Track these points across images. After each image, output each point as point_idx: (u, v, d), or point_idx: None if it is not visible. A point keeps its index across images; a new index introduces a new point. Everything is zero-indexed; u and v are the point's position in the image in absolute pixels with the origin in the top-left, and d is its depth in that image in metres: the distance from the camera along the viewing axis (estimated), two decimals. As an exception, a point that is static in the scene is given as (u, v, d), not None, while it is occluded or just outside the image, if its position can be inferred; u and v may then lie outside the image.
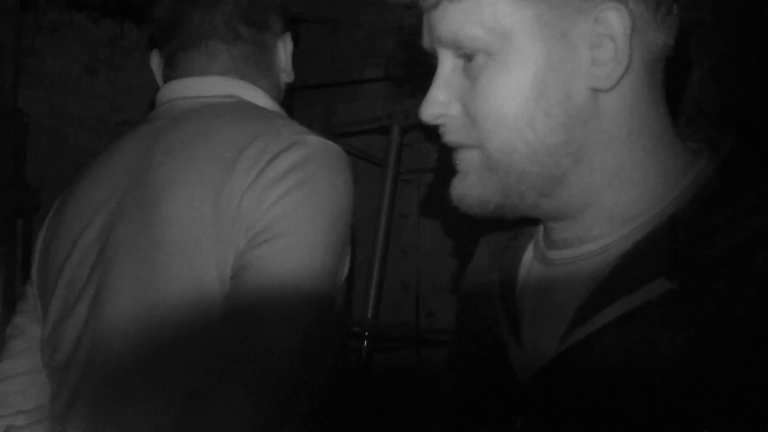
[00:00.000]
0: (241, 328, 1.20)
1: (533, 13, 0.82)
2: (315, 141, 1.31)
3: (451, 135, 0.89)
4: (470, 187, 0.88)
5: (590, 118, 0.83)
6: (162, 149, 1.34)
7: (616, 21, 0.81)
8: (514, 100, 0.83)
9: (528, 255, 0.96)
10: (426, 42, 0.90)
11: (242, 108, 1.38)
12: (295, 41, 3.32)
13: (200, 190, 1.26)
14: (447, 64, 0.88)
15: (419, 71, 2.51)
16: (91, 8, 3.02)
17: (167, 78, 1.46)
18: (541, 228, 0.95)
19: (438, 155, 2.75)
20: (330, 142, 1.34)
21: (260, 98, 1.43)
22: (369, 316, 2.68)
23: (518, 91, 0.83)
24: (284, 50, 1.52)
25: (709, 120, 1.87)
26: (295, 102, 3.14)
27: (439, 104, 0.87)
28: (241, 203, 1.24)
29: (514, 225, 0.98)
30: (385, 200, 2.73)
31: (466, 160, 0.88)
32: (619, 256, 0.83)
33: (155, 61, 1.51)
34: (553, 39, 0.82)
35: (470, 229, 1.12)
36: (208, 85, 1.42)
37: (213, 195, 1.25)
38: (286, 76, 1.53)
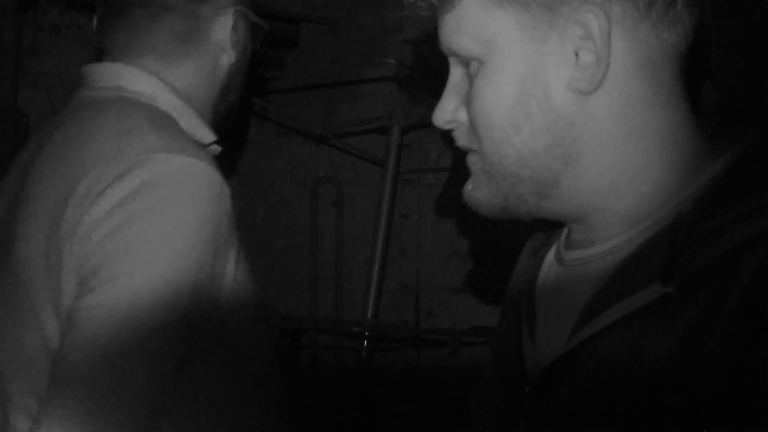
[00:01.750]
0: (69, 395, 1.05)
1: (514, 20, 0.83)
2: (161, 161, 1.12)
3: (460, 140, 0.91)
4: (477, 190, 0.90)
5: (577, 121, 0.83)
6: (37, 162, 1.23)
7: (593, 23, 0.81)
8: (499, 106, 0.85)
9: (550, 255, 0.97)
10: (441, 50, 0.92)
11: (114, 111, 1.22)
12: (295, 41, 3.28)
13: (38, 228, 1.14)
14: (455, 72, 0.90)
15: (423, 72, 2.51)
16: (91, 8, 3.01)
17: (97, 50, 1.38)
18: (565, 229, 0.96)
19: (438, 155, 2.75)
20: (184, 159, 1.13)
21: (154, 90, 1.28)
22: (369, 316, 2.69)
23: (502, 97, 0.85)
24: (224, 26, 1.34)
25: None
26: (295, 102, 3.14)
27: (449, 111, 0.90)
28: (68, 246, 1.10)
29: (553, 225, 0.98)
30: (385, 200, 2.73)
31: (473, 163, 0.91)
32: (624, 258, 0.83)
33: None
34: (534, 44, 0.83)
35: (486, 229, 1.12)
36: (99, 75, 1.30)
37: (44, 236, 1.12)
38: (227, 57, 1.36)
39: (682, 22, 0.84)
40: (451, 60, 0.90)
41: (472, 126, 0.88)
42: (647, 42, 0.83)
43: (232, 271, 1.18)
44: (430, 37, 0.93)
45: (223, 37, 1.34)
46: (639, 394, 0.75)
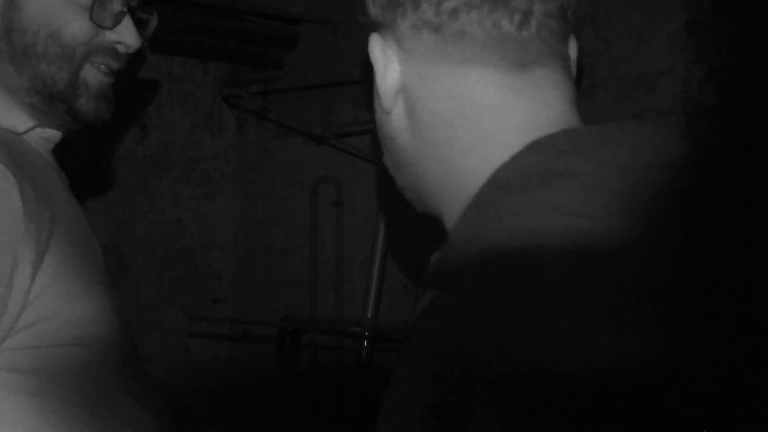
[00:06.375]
0: None
1: None
2: None
3: None
4: None
5: None
6: None
7: None
8: None
9: None
10: None
11: None
12: (295, 41, 3.27)
13: None
14: None
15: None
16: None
17: None
18: None
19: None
20: None
21: None
22: (369, 316, 2.68)
23: None
24: None
25: (710, 120, 1.87)
26: (295, 102, 3.14)
27: None
28: None
29: None
30: (385, 200, 2.73)
31: None
32: None
33: None
34: None
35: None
36: None
37: None
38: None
39: None
40: None
41: None
42: None
43: (26, 284, 0.97)
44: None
45: None
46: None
